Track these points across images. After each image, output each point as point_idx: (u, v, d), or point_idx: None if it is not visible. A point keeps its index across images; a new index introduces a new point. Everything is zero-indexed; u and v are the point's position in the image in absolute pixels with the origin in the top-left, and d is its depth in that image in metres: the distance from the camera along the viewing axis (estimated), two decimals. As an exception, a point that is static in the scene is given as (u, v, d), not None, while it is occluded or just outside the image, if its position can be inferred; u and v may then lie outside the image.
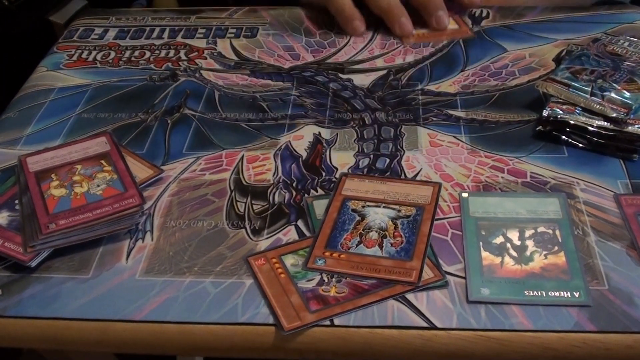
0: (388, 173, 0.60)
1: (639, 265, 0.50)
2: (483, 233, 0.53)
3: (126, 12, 0.90)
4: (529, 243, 0.52)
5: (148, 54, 0.80)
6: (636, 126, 0.59)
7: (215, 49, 0.80)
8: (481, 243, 0.52)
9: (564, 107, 0.62)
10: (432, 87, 0.71)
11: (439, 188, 0.57)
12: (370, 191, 0.58)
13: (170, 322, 0.48)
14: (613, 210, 0.54)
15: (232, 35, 0.83)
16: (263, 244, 0.54)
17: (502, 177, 0.59)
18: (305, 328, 0.47)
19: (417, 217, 0.55)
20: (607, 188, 0.57)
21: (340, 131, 0.66)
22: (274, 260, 0.52)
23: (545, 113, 0.62)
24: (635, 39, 0.71)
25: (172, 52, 0.80)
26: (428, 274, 0.50)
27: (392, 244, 0.52)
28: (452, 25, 0.79)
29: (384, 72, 0.74)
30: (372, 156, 0.62)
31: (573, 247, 0.51)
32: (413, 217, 0.55)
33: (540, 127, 0.63)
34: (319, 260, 0.52)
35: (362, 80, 0.73)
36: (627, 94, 0.61)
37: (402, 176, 0.60)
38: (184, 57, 0.79)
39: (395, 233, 0.53)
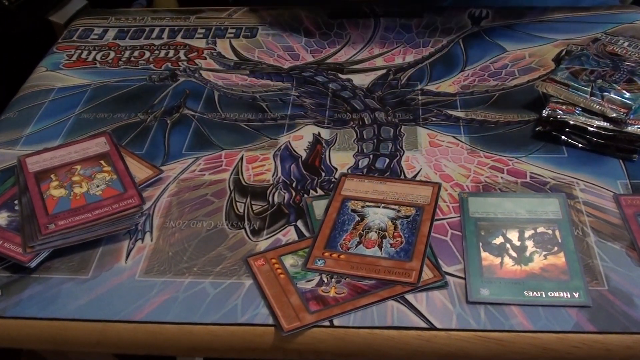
0: (388, 173, 0.60)
1: (638, 266, 0.50)
2: (483, 233, 0.53)
3: (126, 12, 0.90)
4: (529, 243, 0.52)
5: (147, 54, 0.80)
6: (636, 126, 0.59)
7: (215, 49, 0.80)
8: (481, 243, 0.52)
9: (564, 107, 0.62)
10: (431, 87, 0.71)
11: (439, 188, 0.57)
12: (370, 191, 0.58)
13: (170, 323, 0.48)
14: (613, 211, 0.54)
15: (232, 35, 0.83)
16: (262, 244, 0.54)
17: (501, 178, 0.59)
18: (304, 329, 0.47)
19: (416, 217, 0.55)
20: (607, 188, 0.57)
21: (339, 131, 0.66)
22: (274, 260, 0.52)
23: (545, 113, 0.62)
24: (635, 39, 0.71)
25: (171, 52, 0.80)
26: (428, 274, 0.50)
27: (391, 245, 0.52)
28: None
29: (384, 71, 0.74)
30: (371, 156, 0.62)
31: (573, 247, 0.51)
32: (413, 217, 0.55)
33: (539, 127, 0.63)
34: (319, 260, 0.52)
35: (362, 80, 0.73)
36: (627, 94, 0.61)
37: (402, 176, 0.60)
38: (183, 57, 0.79)
39: (395, 233, 0.53)
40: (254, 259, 0.52)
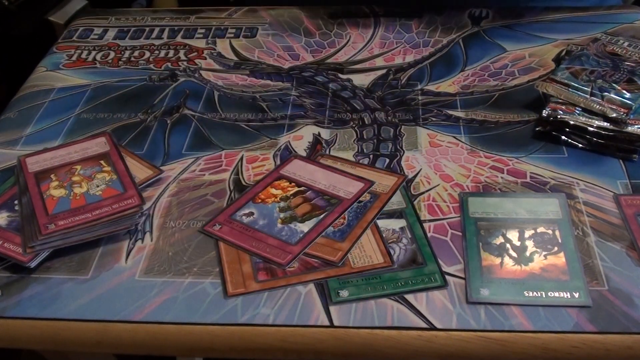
0: (388, 173, 0.60)
1: (638, 266, 0.50)
2: (483, 233, 0.53)
3: (126, 12, 0.90)
4: (529, 243, 0.52)
5: (147, 54, 0.80)
6: (636, 126, 0.59)
7: (215, 49, 0.80)
8: (481, 243, 0.52)
9: (564, 107, 0.62)
10: (431, 87, 0.71)
11: (402, 180, 0.58)
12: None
13: (170, 323, 0.48)
14: (613, 211, 0.54)
15: (232, 35, 0.83)
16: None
17: (501, 178, 0.59)
18: (247, 294, 0.48)
19: (368, 203, 0.55)
20: (607, 188, 0.57)
21: (339, 131, 0.66)
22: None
23: (545, 113, 0.62)
24: (635, 39, 0.71)
25: (171, 52, 0.80)
26: (378, 259, 0.51)
27: (333, 225, 0.54)
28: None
29: (384, 71, 0.74)
30: (371, 156, 0.62)
31: (573, 247, 0.51)
32: (365, 203, 0.55)
33: (539, 127, 0.63)
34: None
35: (362, 80, 0.73)
36: (627, 94, 0.61)
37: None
38: (183, 57, 0.79)
39: (342, 215, 0.54)
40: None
